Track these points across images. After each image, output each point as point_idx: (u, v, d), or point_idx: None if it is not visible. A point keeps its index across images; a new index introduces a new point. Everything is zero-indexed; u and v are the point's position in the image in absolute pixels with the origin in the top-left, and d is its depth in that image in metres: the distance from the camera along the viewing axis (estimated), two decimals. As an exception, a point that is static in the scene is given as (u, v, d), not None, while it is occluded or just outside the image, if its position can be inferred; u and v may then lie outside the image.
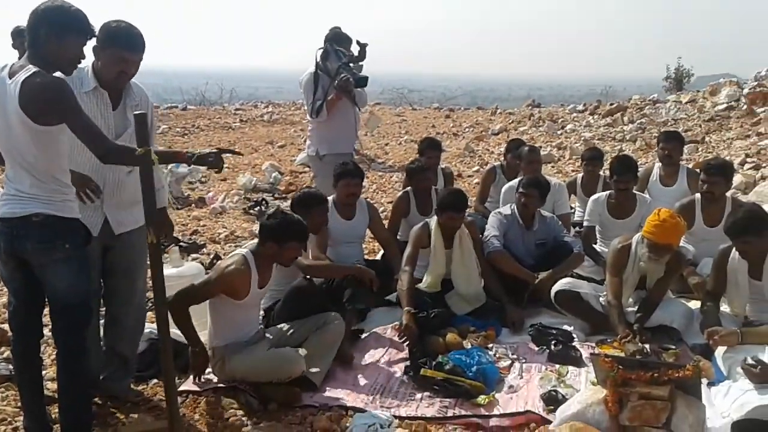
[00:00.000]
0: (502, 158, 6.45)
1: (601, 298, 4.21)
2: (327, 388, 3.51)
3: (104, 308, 3.36)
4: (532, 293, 4.45)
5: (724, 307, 4.13)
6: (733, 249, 3.84)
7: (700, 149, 9.98)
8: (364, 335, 4.18)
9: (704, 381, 3.25)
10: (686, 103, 13.67)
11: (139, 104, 3.10)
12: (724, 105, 12.16)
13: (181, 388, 3.46)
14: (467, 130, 14.94)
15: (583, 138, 12.24)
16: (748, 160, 8.49)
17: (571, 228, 5.52)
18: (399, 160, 10.88)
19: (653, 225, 3.88)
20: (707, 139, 10.57)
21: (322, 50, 5.39)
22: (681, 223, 3.97)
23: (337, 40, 5.37)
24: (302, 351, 3.57)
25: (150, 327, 3.62)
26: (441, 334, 3.97)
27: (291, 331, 3.72)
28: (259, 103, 21.33)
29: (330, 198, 4.60)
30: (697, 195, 4.88)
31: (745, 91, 12.23)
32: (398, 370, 3.72)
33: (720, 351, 3.42)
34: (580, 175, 6.15)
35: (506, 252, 4.50)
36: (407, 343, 3.82)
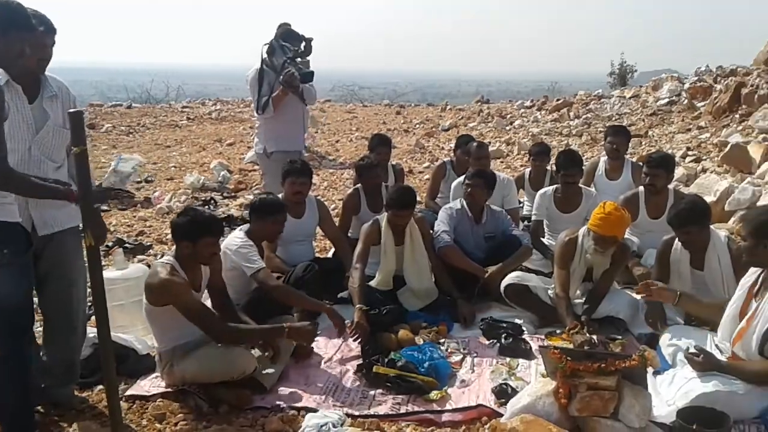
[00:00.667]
0: (452, 154, 6.51)
1: (549, 291, 4.27)
2: (279, 389, 3.46)
3: (43, 314, 3.23)
4: (482, 287, 4.49)
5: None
6: (676, 240, 3.95)
7: (643, 143, 10.25)
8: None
9: (650, 370, 3.32)
10: (630, 98, 14.05)
11: (57, 95, 2.95)
12: (666, 100, 12.53)
13: (128, 393, 3.38)
14: (417, 126, 15.02)
15: (530, 133, 12.44)
16: (689, 153, 8.76)
17: (520, 222, 5.61)
18: (350, 156, 10.84)
19: (598, 218, 3.96)
20: (650, 133, 10.86)
21: (267, 46, 5.31)
22: (625, 215, 4.06)
23: (285, 36, 5.30)
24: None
25: (94, 332, 3.50)
26: (393, 330, 3.96)
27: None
28: (207, 101, 20.99)
29: (279, 196, 4.55)
30: (641, 188, 5.00)
31: (686, 86, 12.62)
32: (351, 368, 3.69)
33: (664, 341, 3.51)
34: (527, 170, 6.24)
35: (456, 247, 4.52)
36: (359, 340, 3.80)
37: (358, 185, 5.31)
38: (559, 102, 15.31)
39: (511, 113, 15.58)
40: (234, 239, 3.94)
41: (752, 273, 3.16)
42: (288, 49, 5.23)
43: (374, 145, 5.89)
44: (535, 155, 6.04)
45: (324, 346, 3.97)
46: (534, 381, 3.35)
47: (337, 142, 12.65)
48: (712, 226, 3.98)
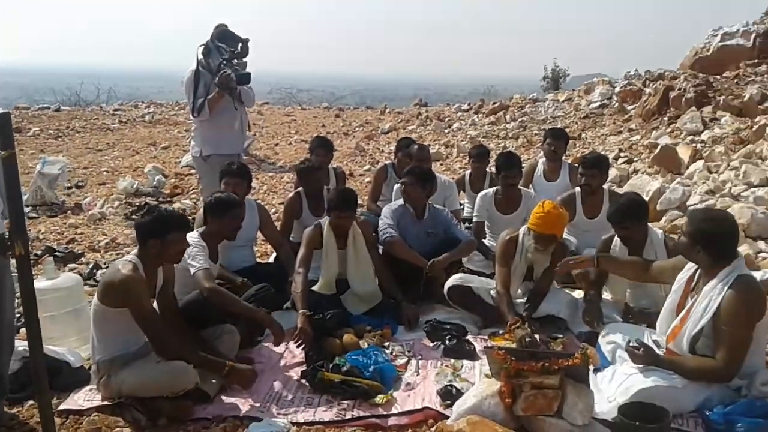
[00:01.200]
0: (393, 157, 6.51)
1: (491, 291, 4.31)
2: (221, 398, 3.36)
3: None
4: (426, 287, 4.49)
5: (606, 295, 4.36)
6: (615, 238, 4.06)
7: (577, 145, 10.51)
8: (260, 338, 4.07)
9: (591, 367, 3.40)
10: (563, 101, 14.41)
11: None
12: (598, 103, 12.91)
13: (61, 408, 3.23)
14: (357, 129, 14.99)
15: (468, 136, 12.60)
16: (622, 154, 9.04)
17: (461, 224, 5.65)
18: (289, 160, 10.73)
19: (538, 216, 4.04)
20: (583, 135, 11.16)
21: (203, 47, 5.18)
22: (564, 214, 4.16)
23: (221, 37, 5.18)
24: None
25: (23, 344, 3.32)
26: (337, 335, 3.92)
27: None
28: (140, 103, 20.41)
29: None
30: (577, 189, 5.11)
31: (617, 89, 13.03)
32: (295, 374, 3.63)
33: (603, 339, 3.58)
34: (467, 172, 6.30)
35: (402, 240, 4.51)
36: (303, 346, 3.74)
37: (300, 189, 5.24)
38: (496, 105, 15.57)
39: (449, 116, 15.74)
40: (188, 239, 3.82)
41: (689, 268, 3.25)
42: (224, 50, 5.12)
43: (315, 147, 5.82)
44: (474, 157, 6.11)
45: (267, 352, 3.89)
46: (478, 382, 3.37)
47: (276, 145, 12.49)
48: (649, 224, 4.11)
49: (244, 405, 3.31)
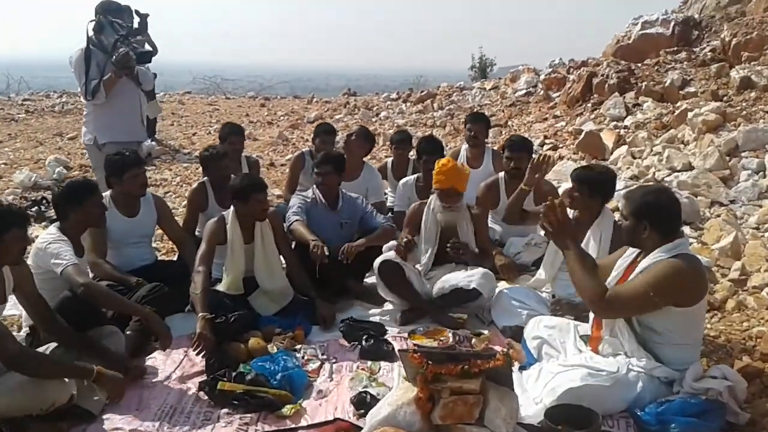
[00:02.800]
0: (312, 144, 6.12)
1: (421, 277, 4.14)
2: (105, 417, 2.94)
3: None
4: (344, 273, 4.21)
5: (531, 282, 4.15)
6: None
7: (504, 132, 10.40)
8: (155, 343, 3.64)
9: (516, 365, 3.16)
10: (490, 89, 14.35)
11: None
12: (524, 91, 12.86)
13: None
14: (282, 118, 14.50)
15: (396, 125, 12.34)
16: (547, 141, 8.95)
17: (387, 215, 5.34)
18: (207, 150, 10.17)
19: (435, 173, 4.08)
20: (510, 123, 11.07)
21: (94, 23, 4.65)
22: (461, 167, 4.17)
23: (109, 10, 4.66)
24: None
25: None
26: (243, 339, 3.56)
27: (60, 352, 3.09)
28: (53, 93, 19.19)
29: (106, 194, 3.98)
30: (501, 174, 4.89)
31: (542, 77, 13.03)
32: (193, 385, 3.24)
33: (529, 333, 3.35)
34: (390, 160, 6.01)
35: (303, 224, 4.21)
36: (203, 353, 3.35)
37: (205, 179, 4.81)
38: (423, 93, 15.37)
39: (378, 105, 15.43)
40: (44, 236, 3.35)
41: (630, 253, 3.04)
42: (119, 25, 4.62)
43: (226, 134, 5.40)
44: (396, 143, 5.81)
45: (162, 361, 3.48)
46: (395, 387, 3.07)
47: (194, 134, 11.86)
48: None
49: (132, 423, 2.91)
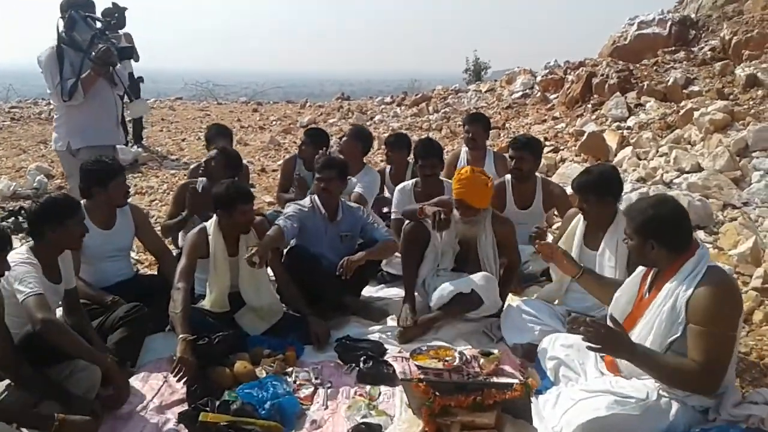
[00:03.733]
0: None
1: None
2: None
3: None
4: (339, 290, 3.88)
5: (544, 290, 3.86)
6: (577, 217, 3.64)
7: (501, 135, 10.13)
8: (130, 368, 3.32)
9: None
10: (486, 92, 14.08)
11: None
12: (520, 93, 12.61)
13: None
14: (274, 123, 14.19)
15: (391, 128, 12.06)
16: (547, 143, 8.65)
17: (384, 220, 5.04)
18: (196, 156, 9.83)
19: (454, 180, 3.76)
20: (507, 125, 10.79)
21: (65, 18, 4.30)
22: (481, 181, 3.75)
23: (78, 4, 4.32)
24: None
25: None
26: (229, 362, 3.23)
27: (17, 394, 2.71)
28: (41, 100, 18.82)
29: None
30: (508, 176, 4.60)
31: (538, 78, 12.78)
32: (172, 416, 2.92)
33: (544, 353, 3.04)
34: (388, 167, 5.71)
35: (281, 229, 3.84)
36: (184, 379, 3.03)
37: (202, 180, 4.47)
38: (418, 97, 15.09)
39: (372, 109, 15.15)
40: (12, 256, 2.93)
41: (640, 271, 2.75)
42: (94, 20, 4.30)
43: (211, 136, 5.10)
44: (390, 145, 5.50)
45: (140, 388, 3.14)
46: (398, 415, 2.76)
47: (183, 140, 11.52)
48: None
49: (102, 461, 2.59)
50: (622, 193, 3.67)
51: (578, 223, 3.61)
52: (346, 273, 3.76)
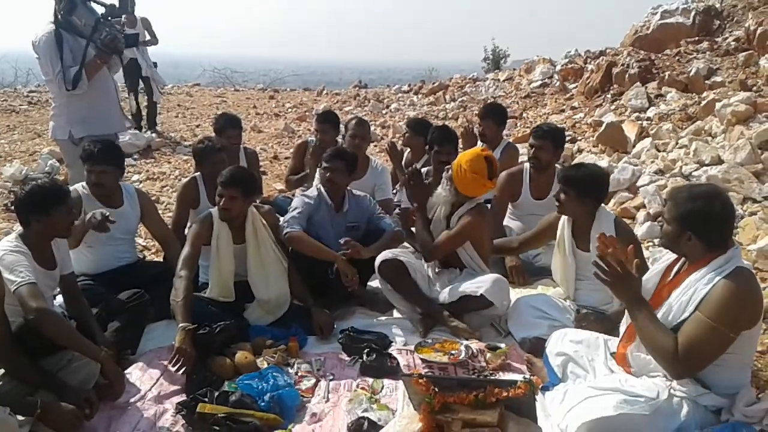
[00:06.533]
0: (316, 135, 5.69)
1: (427, 273, 3.81)
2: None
3: None
4: (339, 280, 3.78)
5: (553, 291, 3.76)
6: (562, 218, 3.57)
7: (518, 124, 9.99)
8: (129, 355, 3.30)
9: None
10: (504, 80, 13.90)
11: None
12: (539, 82, 12.41)
13: None
14: (290, 110, 14.13)
15: (406, 116, 11.94)
16: (565, 133, 8.50)
17: (391, 214, 4.95)
18: (210, 142, 9.81)
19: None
20: (525, 114, 10.64)
21: (64, 1, 4.14)
22: (474, 179, 3.65)
23: None
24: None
25: None
26: (230, 352, 3.18)
27: (9, 385, 2.65)
28: (57, 85, 18.92)
29: (78, 186, 3.63)
30: (526, 165, 4.48)
31: (558, 68, 12.57)
32: (170, 406, 2.87)
33: (552, 349, 2.94)
34: (406, 152, 5.60)
35: (304, 233, 3.78)
36: (183, 369, 2.98)
37: (197, 173, 4.42)
38: (435, 85, 14.95)
39: (388, 97, 15.04)
40: (2, 245, 2.89)
41: (666, 259, 2.64)
42: (97, 4, 4.20)
43: (222, 126, 4.99)
44: (411, 128, 5.41)
45: (139, 378, 3.10)
46: (400, 410, 2.69)
47: (197, 126, 11.49)
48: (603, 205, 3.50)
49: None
50: (603, 200, 3.54)
51: (564, 228, 3.52)
52: (348, 247, 3.69)
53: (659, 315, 2.49)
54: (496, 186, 4.19)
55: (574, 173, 3.42)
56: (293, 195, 5.29)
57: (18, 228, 3.17)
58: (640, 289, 2.52)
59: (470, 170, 3.61)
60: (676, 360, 2.35)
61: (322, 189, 4.05)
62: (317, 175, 4.58)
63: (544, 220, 3.76)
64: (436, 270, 3.87)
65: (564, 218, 3.54)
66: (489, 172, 3.64)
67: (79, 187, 3.67)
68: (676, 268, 2.60)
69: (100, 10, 4.26)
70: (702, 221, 2.41)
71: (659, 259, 2.88)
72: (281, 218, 3.95)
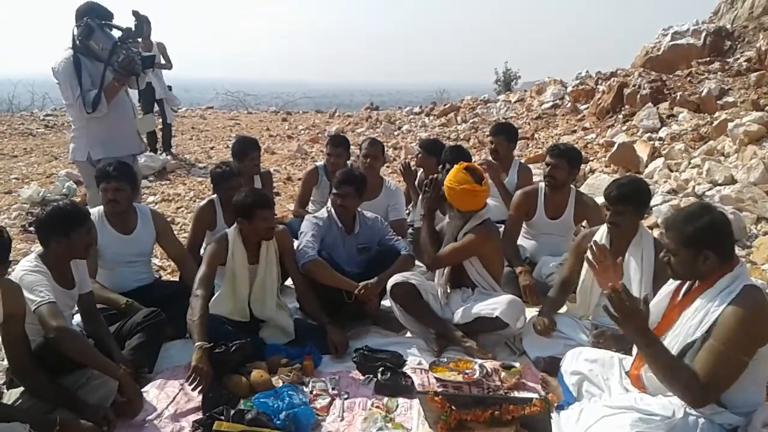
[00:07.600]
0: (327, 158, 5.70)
1: (439, 297, 3.79)
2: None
3: None
4: (357, 303, 3.80)
5: (568, 309, 3.76)
6: (600, 229, 3.53)
7: (530, 145, 10.02)
8: (146, 373, 3.31)
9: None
10: (515, 102, 13.96)
11: None
12: (550, 103, 12.48)
13: None
14: (303, 132, 14.26)
15: (418, 138, 12.02)
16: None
17: (405, 237, 4.96)
18: (224, 165, 9.91)
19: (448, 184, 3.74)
20: (536, 135, 10.68)
21: (81, 27, 4.25)
22: (469, 191, 3.69)
23: (97, 12, 4.30)
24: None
25: None
26: (246, 371, 3.20)
27: (30, 403, 2.71)
28: (74, 109, 19.20)
29: (96, 210, 3.69)
30: (542, 184, 4.49)
31: (569, 89, 12.63)
32: (187, 424, 2.89)
33: (567, 368, 2.94)
34: (420, 171, 5.64)
35: (323, 261, 3.81)
36: (199, 388, 3.00)
37: (214, 196, 4.47)
38: (447, 107, 15.05)
39: (400, 119, 15.16)
40: (23, 264, 2.96)
41: (672, 282, 2.65)
42: (111, 28, 4.29)
43: (243, 151, 4.92)
44: (424, 148, 5.45)
45: (155, 396, 3.13)
46: (415, 428, 2.70)
47: (211, 148, 11.63)
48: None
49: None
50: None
51: (602, 240, 3.50)
52: (367, 297, 3.74)
53: (669, 336, 2.50)
54: (489, 191, 4.21)
55: (624, 190, 3.38)
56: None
57: (37, 248, 3.21)
58: (647, 323, 2.48)
59: (456, 184, 3.68)
60: (696, 392, 2.33)
61: (333, 211, 4.09)
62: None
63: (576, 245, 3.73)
64: (447, 290, 3.88)
65: (602, 230, 3.54)
66: (474, 177, 3.69)
67: (95, 211, 3.72)
68: (684, 289, 2.60)
69: (117, 34, 4.36)
70: (714, 234, 2.42)
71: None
72: (295, 241, 3.99)
